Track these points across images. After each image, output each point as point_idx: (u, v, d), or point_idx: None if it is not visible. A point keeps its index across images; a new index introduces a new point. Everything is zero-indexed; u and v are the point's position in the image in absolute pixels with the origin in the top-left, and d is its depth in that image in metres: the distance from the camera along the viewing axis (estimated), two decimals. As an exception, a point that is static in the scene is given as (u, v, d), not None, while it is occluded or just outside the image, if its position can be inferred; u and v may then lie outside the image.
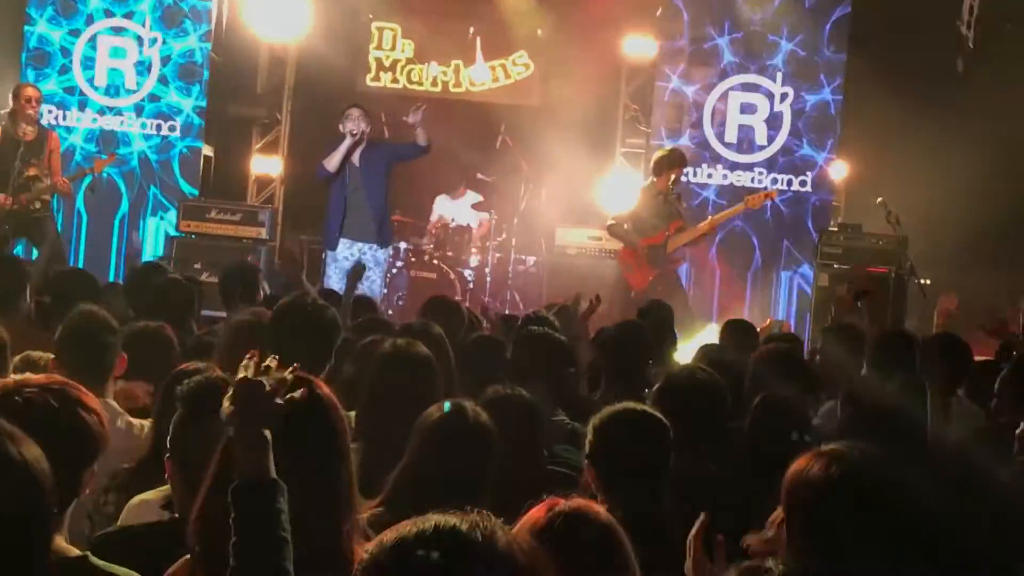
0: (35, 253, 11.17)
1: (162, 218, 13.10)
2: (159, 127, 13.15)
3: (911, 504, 2.99)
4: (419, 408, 3.78)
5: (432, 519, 1.86)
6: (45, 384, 2.82)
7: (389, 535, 1.86)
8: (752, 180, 13.02)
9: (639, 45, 13.34)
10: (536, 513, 2.77)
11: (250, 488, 2.59)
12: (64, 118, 13.02)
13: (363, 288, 11.00)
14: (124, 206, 13.14)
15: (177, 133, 13.15)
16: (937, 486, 3.41)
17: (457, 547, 1.81)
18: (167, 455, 3.33)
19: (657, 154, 11.46)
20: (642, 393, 5.21)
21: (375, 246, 10.99)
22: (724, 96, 13.12)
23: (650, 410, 3.94)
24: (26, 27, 13.03)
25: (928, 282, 11.90)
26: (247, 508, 2.57)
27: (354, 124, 10.83)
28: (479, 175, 13.34)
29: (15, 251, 10.91)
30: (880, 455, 3.04)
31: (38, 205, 10.64)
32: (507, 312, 11.44)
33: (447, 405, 3.69)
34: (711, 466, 4.32)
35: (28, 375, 2.96)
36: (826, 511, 2.95)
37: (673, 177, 11.03)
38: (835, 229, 12.46)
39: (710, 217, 11.61)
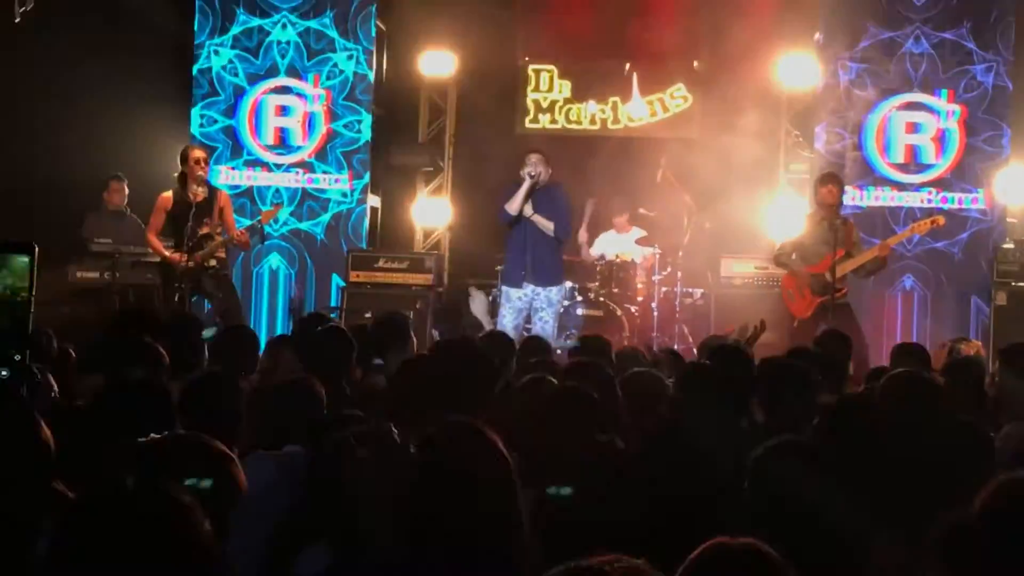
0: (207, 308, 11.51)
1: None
2: (326, 181, 13.45)
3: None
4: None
5: (584, 564, 1.90)
6: (181, 436, 2.89)
7: None
8: (921, 200, 12.75)
9: (798, 69, 13.20)
10: (701, 550, 2.70)
11: None
12: (234, 177, 13.42)
13: (536, 328, 11.16)
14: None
15: (346, 186, 13.42)
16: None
17: None
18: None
19: (816, 180, 11.36)
20: (805, 424, 5.11)
21: (549, 287, 11.17)
22: (889, 116, 12.88)
23: (807, 441, 3.84)
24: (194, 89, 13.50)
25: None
26: None
27: (532, 167, 11.04)
28: (641, 210, 13.30)
29: (193, 308, 11.23)
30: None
31: (213, 262, 10.91)
32: (675, 346, 11.37)
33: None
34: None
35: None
36: (1006, 539, 2.86)
37: (837, 200, 10.83)
38: (1011, 246, 12.10)
39: (879, 243, 11.35)
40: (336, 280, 13.30)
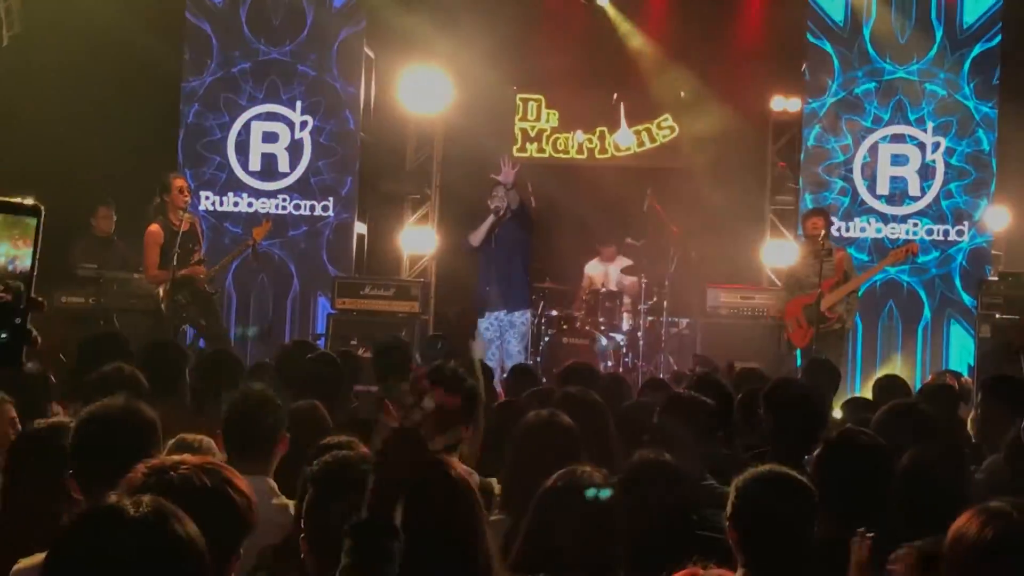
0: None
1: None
2: (313, 207, 13.43)
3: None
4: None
5: None
6: (198, 464, 2.83)
7: None
8: (907, 232, 12.80)
9: (784, 101, 13.26)
10: None
11: (370, 527, 2.58)
12: (221, 203, 13.40)
13: (503, 351, 11.39)
14: (295, 287, 13.45)
15: (331, 212, 13.41)
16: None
17: None
18: (302, 535, 3.29)
19: (803, 214, 11.58)
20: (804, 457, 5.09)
21: (513, 312, 11.44)
22: (874, 148, 12.94)
23: (794, 474, 3.84)
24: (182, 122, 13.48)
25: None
26: (362, 546, 2.56)
27: (499, 201, 11.28)
28: (628, 239, 13.31)
29: (184, 334, 11.23)
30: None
31: (206, 287, 10.97)
32: (660, 376, 11.38)
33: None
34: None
35: (185, 455, 2.97)
36: (984, 570, 2.85)
37: (821, 233, 11.04)
38: (995, 279, 12.13)
39: (857, 275, 11.52)
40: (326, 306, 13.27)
